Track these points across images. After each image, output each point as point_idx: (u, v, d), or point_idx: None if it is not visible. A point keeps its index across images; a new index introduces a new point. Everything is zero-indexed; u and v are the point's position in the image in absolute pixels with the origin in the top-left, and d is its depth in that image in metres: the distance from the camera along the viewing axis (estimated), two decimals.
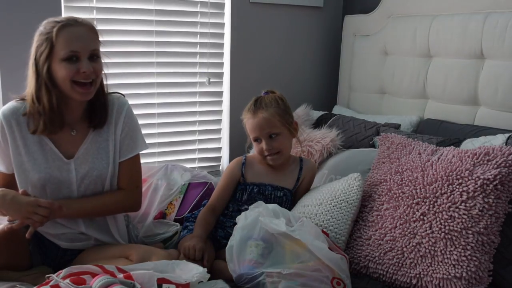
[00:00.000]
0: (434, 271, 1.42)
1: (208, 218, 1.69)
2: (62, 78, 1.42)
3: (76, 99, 1.46)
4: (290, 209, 1.71)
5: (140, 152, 1.64)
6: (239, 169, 1.75)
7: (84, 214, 1.55)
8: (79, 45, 1.41)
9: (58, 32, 1.40)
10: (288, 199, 1.75)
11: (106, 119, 1.55)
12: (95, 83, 1.47)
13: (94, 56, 1.45)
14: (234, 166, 1.76)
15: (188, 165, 2.33)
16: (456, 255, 1.40)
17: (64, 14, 2.00)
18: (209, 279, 1.28)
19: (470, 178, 1.46)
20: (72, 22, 1.43)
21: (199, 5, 2.34)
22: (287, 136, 1.72)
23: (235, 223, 1.50)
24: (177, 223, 1.88)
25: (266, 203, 1.57)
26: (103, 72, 1.53)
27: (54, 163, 1.51)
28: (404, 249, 1.49)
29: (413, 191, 1.55)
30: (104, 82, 1.55)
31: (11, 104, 1.51)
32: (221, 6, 2.40)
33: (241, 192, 1.73)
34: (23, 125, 1.48)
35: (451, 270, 1.39)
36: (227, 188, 1.74)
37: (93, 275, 1.15)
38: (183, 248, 1.54)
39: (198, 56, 2.39)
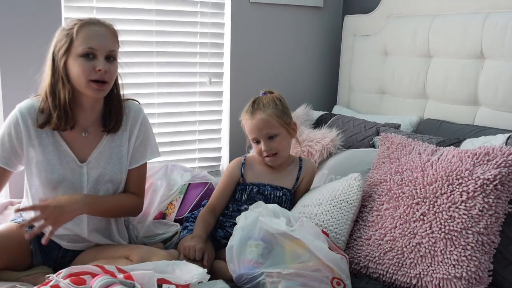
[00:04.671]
0: (434, 271, 1.42)
1: (208, 218, 1.69)
2: (77, 74, 1.42)
3: (89, 95, 1.46)
4: (290, 209, 1.72)
5: None
6: (239, 169, 1.75)
7: (99, 213, 1.55)
8: (97, 43, 1.42)
9: (79, 29, 1.42)
10: (288, 198, 1.75)
11: (121, 124, 1.56)
12: (108, 84, 1.47)
13: (111, 58, 1.46)
14: (234, 167, 1.77)
15: (188, 165, 2.33)
16: (456, 255, 1.40)
17: (64, 14, 2.01)
18: (209, 280, 1.28)
19: (470, 178, 1.46)
20: (94, 22, 1.45)
21: (199, 5, 2.34)
22: (285, 137, 1.72)
23: (235, 223, 1.50)
24: (177, 224, 1.88)
25: (265, 203, 1.58)
26: (118, 73, 1.54)
27: (68, 165, 1.51)
28: (404, 249, 1.49)
29: (413, 191, 1.55)
30: (120, 82, 1.56)
31: (27, 101, 1.51)
32: (221, 6, 2.40)
33: (241, 192, 1.73)
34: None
35: (451, 270, 1.39)
36: (227, 188, 1.74)
37: (93, 275, 1.15)
38: (183, 248, 1.54)
39: (198, 56, 2.39)
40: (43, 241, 1.37)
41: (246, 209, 1.63)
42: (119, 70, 1.54)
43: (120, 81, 1.56)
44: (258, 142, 1.71)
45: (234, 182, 1.75)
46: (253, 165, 1.77)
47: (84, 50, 1.41)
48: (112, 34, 1.47)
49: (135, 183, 1.63)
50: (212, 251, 1.64)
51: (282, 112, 1.70)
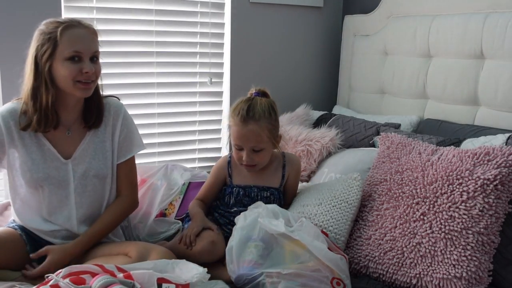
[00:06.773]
0: (434, 271, 1.42)
1: (199, 204, 1.74)
2: (63, 77, 1.44)
3: (76, 95, 1.49)
4: (281, 206, 1.67)
5: (140, 152, 1.67)
6: (225, 168, 1.75)
7: (100, 238, 1.58)
8: (82, 46, 1.45)
9: (63, 32, 1.43)
10: (276, 198, 1.73)
11: (102, 119, 1.58)
12: (94, 82, 1.51)
13: (94, 58, 1.49)
14: (220, 165, 1.77)
15: (188, 165, 2.33)
16: (456, 255, 1.40)
17: (64, 14, 2.01)
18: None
19: (470, 178, 1.46)
20: (75, 24, 1.46)
21: (199, 5, 2.34)
22: (269, 150, 1.68)
23: (227, 222, 1.49)
24: (178, 221, 1.89)
25: None
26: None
27: (52, 163, 1.52)
28: (404, 249, 1.49)
29: (413, 191, 1.54)
30: (99, 83, 1.57)
31: (9, 105, 1.53)
32: (221, 6, 2.40)
33: (229, 196, 1.72)
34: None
35: (451, 270, 1.39)
36: (214, 186, 1.76)
37: (93, 274, 1.15)
38: (179, 241, 1.58)
39: (198, 56, 2.39)
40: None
41: (236, 211, 1.64)
42: (102, 70, 1.55)
43: (99, 81, 1.57)
44: (241, 149, 1.66)
45: (221, 180, 1.75)
46: (238, 165, 1.72)
47: (70, 54, 1.43)
48: (93, 34, 1.50)
49: (125, 176, 1.65)
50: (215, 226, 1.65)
51: (274, 126, 1.65)
